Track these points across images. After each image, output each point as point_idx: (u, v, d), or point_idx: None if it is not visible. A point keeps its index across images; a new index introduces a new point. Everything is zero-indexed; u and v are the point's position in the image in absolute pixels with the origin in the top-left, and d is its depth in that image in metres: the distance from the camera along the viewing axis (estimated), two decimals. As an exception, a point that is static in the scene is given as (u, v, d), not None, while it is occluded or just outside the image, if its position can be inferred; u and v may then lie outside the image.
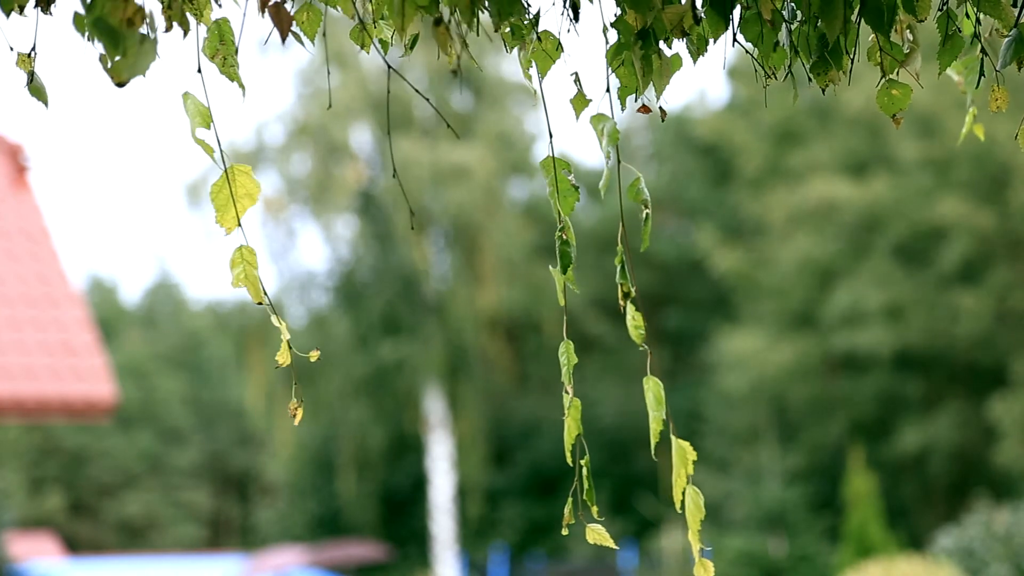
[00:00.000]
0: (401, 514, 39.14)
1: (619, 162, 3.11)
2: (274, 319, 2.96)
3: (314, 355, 3.00)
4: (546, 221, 38.52)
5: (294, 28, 2.86)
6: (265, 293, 2.96)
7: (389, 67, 3.08)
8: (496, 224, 36.01)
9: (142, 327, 52.21)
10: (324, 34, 3.09)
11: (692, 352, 39.21)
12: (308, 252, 56.77)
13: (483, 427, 37.74)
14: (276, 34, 2.83)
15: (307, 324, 39.27)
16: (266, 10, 2.82)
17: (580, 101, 3.12)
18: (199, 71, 2.81)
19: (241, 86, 2.92)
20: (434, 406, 36.48)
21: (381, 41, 3.11)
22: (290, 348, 3.00)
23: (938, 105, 28.82)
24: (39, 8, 2.77)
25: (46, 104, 2.81)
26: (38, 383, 14.84)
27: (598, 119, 3.08)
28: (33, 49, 2.80)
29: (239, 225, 2.90)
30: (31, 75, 2.80)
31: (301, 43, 2.95)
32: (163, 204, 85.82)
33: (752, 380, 33.03)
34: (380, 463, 38.93)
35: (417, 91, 3.07)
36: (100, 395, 15.04)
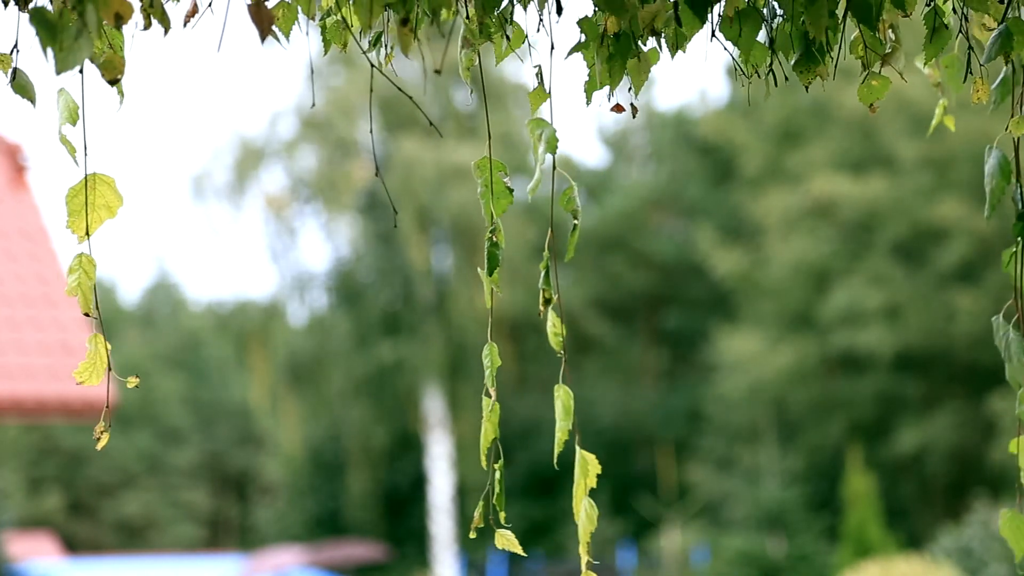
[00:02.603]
0: (400, 514, 39.13)
1: (554, 167, 3.11)
2: (91, 341, 2.93)
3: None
4: (546, 222, 38.45)
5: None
6: (97, 308, 2.94)
7: (373, 65, 3.07)
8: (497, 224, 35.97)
9: (141, 327, 52.21)
10: (307, 33, 3.08)
11: (692, 352, 39.22)
12: (311, 249, 56.81)
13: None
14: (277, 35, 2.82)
15: (309, 323, 39.27)
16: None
17: (538, 96, 3.11)
18: (80, 71, 2.80)
19: (120, 93, 2.91)
20: (433, 406, 36.47)
21: (379, 40, 3.10)
22: (110, 370, 2.97)
23: (936, 105, 28.80)
24: (17, 5, 2.76)
25: (33, 102, 2.81)
26: (37, 383, 14.83)
27: (536, 124, 3.06)
28: (15, 47, 2.80)
29: (87, 236, 2.89)
30: (14, 73, 2.80)
31: (278, 41, 2.94)
32: (163, 204, 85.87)
33: (751, 380, 33.02)
34: (380, 463, 38.92)
35: (400, 89, 3.07)
36: (99, 395, 15.03)
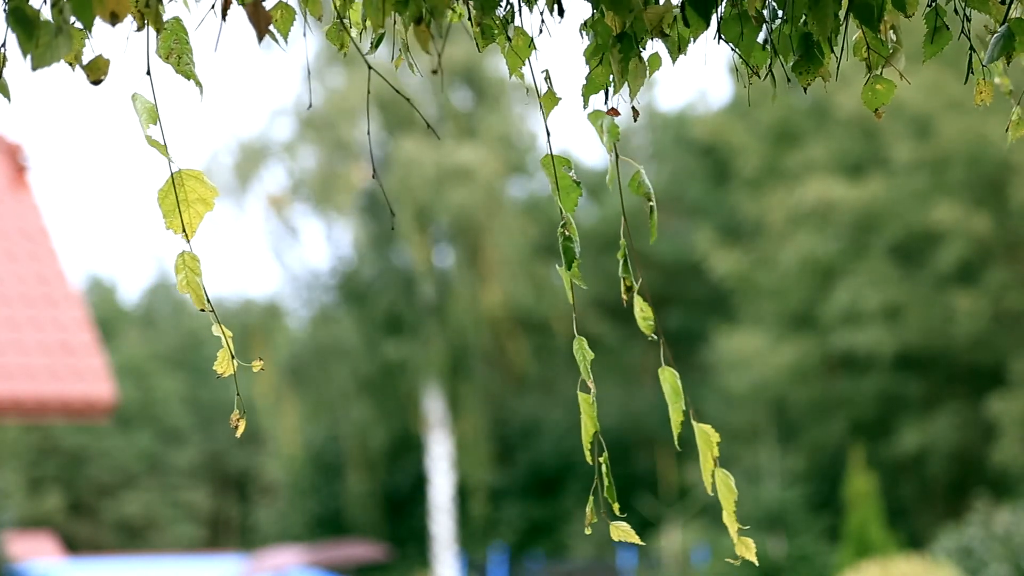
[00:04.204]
0: (401, 514, 39.13)
1: (617, 156, 3.12)
2: (215, 328, 2.97)
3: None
4: (547, 220, 38.56)
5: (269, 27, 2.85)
6: (208, 301, 2.96)
7: (370, 67, 3.07)
8: (498, 224, 36.01)
9: (141, 327, 52.22)
10: (304, 35, 3.09)
11: (692, 352, 39.21)
12: (312, 250, 56.83)
13: (484, 427, 37.73)
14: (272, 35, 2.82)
15: (310, 323, 39.27)
16: (218, 12, 2.81)
17: (550, 99, 3.12)
18: (148, 73, 2.80)
19: (198, 84, 2.91)
20: (434, 406, 36.47)
21: (381, 41, 3.11)
22: (233, 358, 3.01)
23: (933, 106, 28.83)
24: (5, 3, 2.76)
25: (8, 99, 2.81)
26: (37, 383, 14.83)
27: (596, 115, 3.08)
28: (3, 45, 2.80)
29: (183, 231, 2.91)
30: (-1, 73, 2.81)
31: (276, 41, 2.94)
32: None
33: (752, 380, 33.03)
34: (381, 463, 38.93)
35: (397, 91, 3.07)
36: (99, 395, 15.03)
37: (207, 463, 48.26)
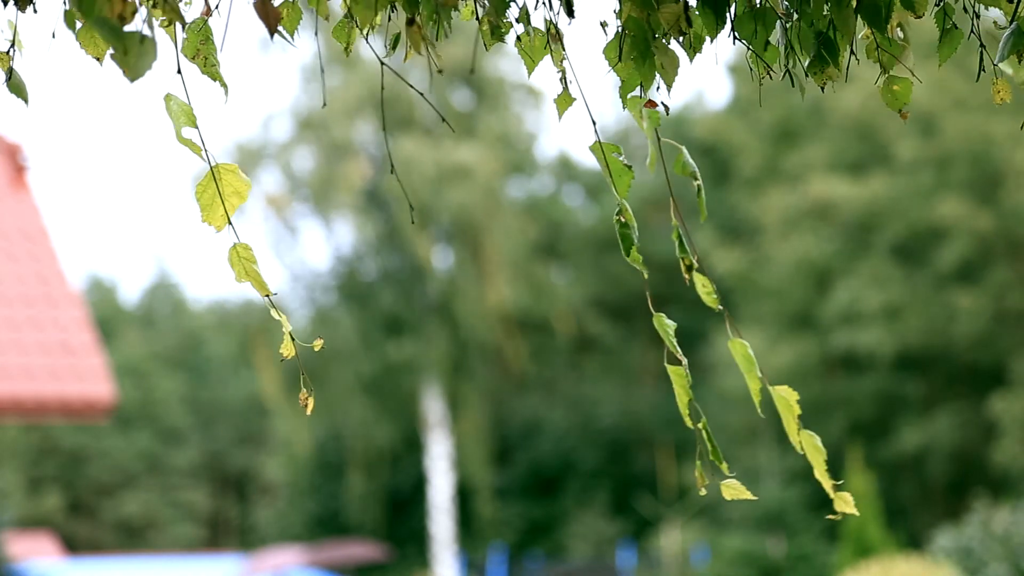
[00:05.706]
0: (400, 514, 39.13)
1: (659, 139, 3.14)
2: (274, 312, 2.99)
3: (318, 344, 3.05)
4: (546, 220, 38.58)
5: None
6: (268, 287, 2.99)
7: (382, 63, 3.08)
8: (497, 223, 36.01)
9: (141, 327, 52.20)
10: (316, 33, 3.09)
11: (691, 352, 39.14)
12: (312, 250, 56.79)
13: (484, 427, 37.73)
14: (267, 32, 2.82)
15: (311, 323, 39.26)
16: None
17: (565, 100, 3.12)
18: (179, 71, 2.80)
19: (223, 85, 2.91)
20: (434, 406, 36.47)
21: (397, 42, 3.11)
22: (293, 340, 3.04)
23: (936, 104, 28.82)
24: (17, 6, 2.76)
25: (26, 102, 2.80)
26: (37, 383, 14.83)
27: (634, 102, 3.10)
28: (12, 46, 2.79)
29: (229, 223, 2.91)
30: (10, 72, 2.79)
31: (284, 38, 2.95)
32: (163, 203, 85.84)
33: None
34: (382, 463, 38.92)
35: (411, 86, 3.07)
36: (99, 395, 15.03)
37: (207, 463, 48.25)
